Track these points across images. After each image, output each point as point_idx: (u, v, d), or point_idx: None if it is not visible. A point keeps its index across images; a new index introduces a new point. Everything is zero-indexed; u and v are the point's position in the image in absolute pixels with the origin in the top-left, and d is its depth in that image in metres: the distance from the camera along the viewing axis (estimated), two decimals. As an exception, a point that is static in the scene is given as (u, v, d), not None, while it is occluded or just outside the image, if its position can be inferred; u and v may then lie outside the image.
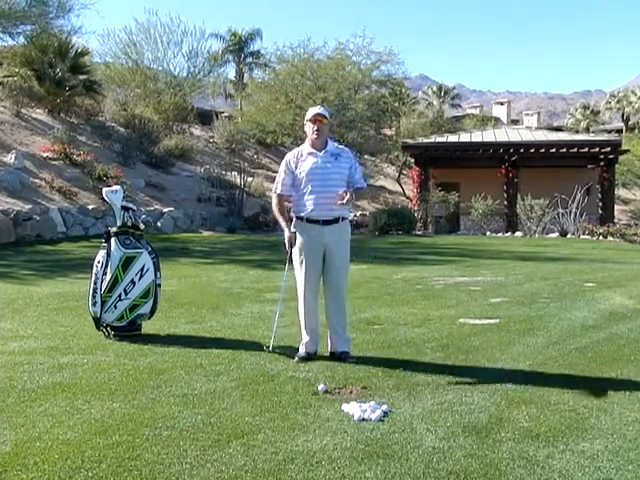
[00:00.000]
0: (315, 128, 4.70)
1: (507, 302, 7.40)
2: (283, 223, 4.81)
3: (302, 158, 4.76)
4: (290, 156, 4.83)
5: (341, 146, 4.96)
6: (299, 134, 27.21)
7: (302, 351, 4.79)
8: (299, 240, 4.74)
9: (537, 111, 54.46)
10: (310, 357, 4.71)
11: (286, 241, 4.79)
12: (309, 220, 4.71)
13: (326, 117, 4.71)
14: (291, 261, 4.84)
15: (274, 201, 4.94)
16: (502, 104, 52.80)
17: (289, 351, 4.92)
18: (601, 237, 19.45)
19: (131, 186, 18.54)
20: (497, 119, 46.14)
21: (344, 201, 4.56)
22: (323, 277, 4.83)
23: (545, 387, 4.13)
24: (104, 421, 3.50)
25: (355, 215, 21.48)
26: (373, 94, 29.90)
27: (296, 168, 4.75)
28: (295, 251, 4.79)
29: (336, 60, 26.94)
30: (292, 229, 4.79)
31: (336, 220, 4.74)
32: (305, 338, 4.80)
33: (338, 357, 4.75)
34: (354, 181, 4.79)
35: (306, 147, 4.81)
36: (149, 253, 5.63)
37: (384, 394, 3.98)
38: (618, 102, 48.97)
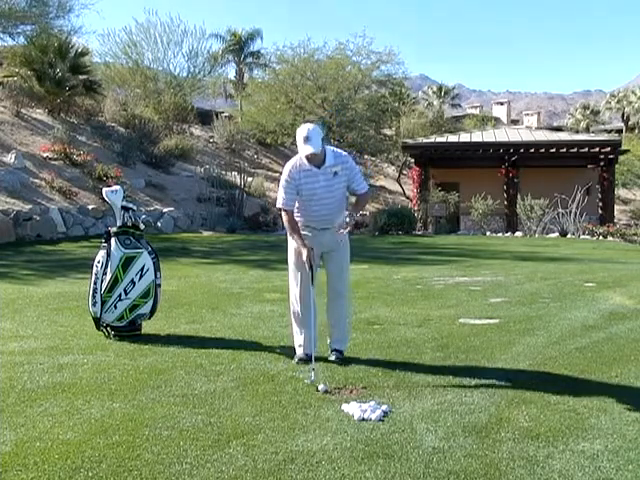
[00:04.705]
0: (309, 159, 4.59)
1: (507, 302, 7.39)
2: (299, 241, 4.62)
3: (303, 174, 4.61)
4: (291, 169, 4.65)
5: (338, 150, 4.79)
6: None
7: (300, 353, 4.77)
8: (293, 244, 4.71)
9: (537, 111, 54.45)
10: (310, 358, 4.69)
11: (304, 259, 4.56)
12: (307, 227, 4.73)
13: (317, 153, 4.52)
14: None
15: (285, 217, 4.71)
16: (502, 104, 52.86)
17: (289, 351, 4.91)
18: (601, 237, 19.44)
19: (131, 186, 18.53)
20: (497, 119, 46.16)
21: (344, 231, 4.58)
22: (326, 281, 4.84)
23: (545, 387, 4.13)
24: (104, 421, 3.50)
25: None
26: (373, 94, 29.93)
27: (298, 185, 4.62)
28: (290, 253, 4.78)
29: (336, 60, 26.97)
30: (297, 243, 4.66)
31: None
32: (299, 340, 4.78)
33: (331, 351, 4.80)
34: (354, 188, 4.74)
35: (305, 160, 4.62)
36: (149, 253, 5.63)
37: (384, 394, 3.98)
38: (618, 102, 48.93)
